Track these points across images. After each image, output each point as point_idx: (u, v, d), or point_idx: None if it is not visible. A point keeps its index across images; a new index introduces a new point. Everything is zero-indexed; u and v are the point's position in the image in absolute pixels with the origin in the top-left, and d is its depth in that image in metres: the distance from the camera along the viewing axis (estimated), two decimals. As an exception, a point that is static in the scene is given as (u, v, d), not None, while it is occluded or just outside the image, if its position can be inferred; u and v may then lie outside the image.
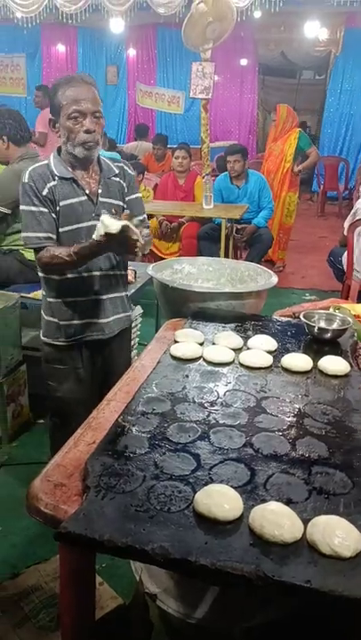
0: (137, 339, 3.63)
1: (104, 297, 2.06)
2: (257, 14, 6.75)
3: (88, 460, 1.15)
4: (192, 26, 4.49)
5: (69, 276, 1.98)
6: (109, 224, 1.72)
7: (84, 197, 1.97)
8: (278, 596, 0.93)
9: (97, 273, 2.02)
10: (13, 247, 3.09)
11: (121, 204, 2.07)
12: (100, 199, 2.00)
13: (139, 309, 3.59)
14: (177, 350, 1.69)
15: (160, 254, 5.48)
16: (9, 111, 3.04)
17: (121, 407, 1.41)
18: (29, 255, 3.02)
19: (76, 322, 2.04)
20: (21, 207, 1.95)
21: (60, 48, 10.29)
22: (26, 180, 1.93)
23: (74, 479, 1.14)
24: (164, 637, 1.51)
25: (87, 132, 1.87)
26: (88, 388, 2.14)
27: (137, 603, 1.44)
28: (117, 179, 2.06)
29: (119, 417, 1.33)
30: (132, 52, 10.21)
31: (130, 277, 3.24)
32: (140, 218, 1.97)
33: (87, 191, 1.97)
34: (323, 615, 1.15)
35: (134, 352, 3.61)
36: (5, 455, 2.74)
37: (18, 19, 6.18)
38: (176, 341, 1.78)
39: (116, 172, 2.07)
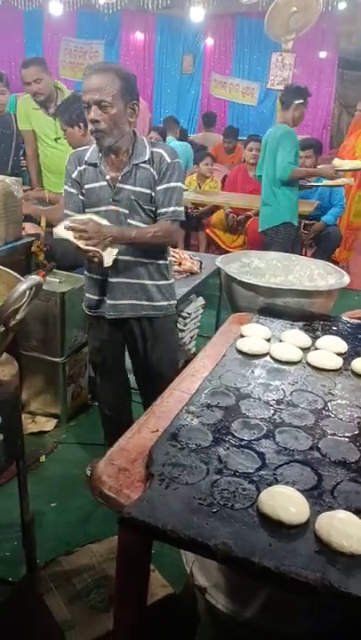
0: (196, 330, 3.63)
1: (114, 280, 2.11)
2: (342, 5, 6.54)
3: (152, 448, 1.15)
4: (275, 15, 4.40)
5: None
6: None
7: (104, 182, 2.03)
8: (342, 608, 0.89)
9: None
10: (83, 231, 3.13)
11: (148, 192, 2.04)
12: (119, 185, 2.01)
13: (201, 301, 3.58)
14: (243, 345, 1.67)
15: (224, 247, 5.45)
16: None
17: (184, 397, 1.40)
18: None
19: (92, 296, 2.21)
20: None
21: (139, 35, 10.30)
22: (66, 163, 2.13)
23: (137, 465, 1.14)
24: (209, 631, 1.51)
25: (91, 121, 1.93)
26: (110, 362, 2.32)
27: (187, 594, 1.44)
28: (147, 165, 2.02)
29: (184, 407, 1.33)
30: (209, 42, 10.12)
31: (194, 268, 3.24)
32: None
33: (108, 177, 2.02)
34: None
35: (193, 343, 3.61)
36: (63, 434, 2.81)
37: (100, 5, 6.24)
38: (242, 336, 1.75)
39: (146, 158, 2.02)
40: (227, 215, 5.47)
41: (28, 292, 1.24)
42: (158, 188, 2.04)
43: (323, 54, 9.74)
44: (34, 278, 1.25)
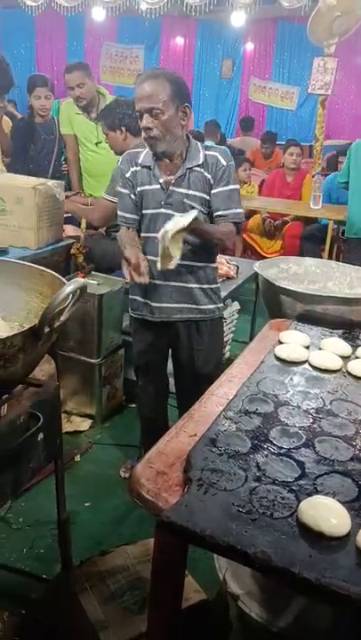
0: (231, 335, 3.62)
1: (159, 282, 2.12)
2: (386, 8, 6.43)
3: (191, 453, 1.15)
4: (318, 20, 4.37)
5: None
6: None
7: (157, 186, 2.05)
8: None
9: (155, 259, 2.07)
10: (122, 234, 3.17)
11: (202, 195, 2.04)
12: (172, 188, 2.03)
13: (236, 305, 3.57)
14: (282, 352, 1.65)
15: (261, 252, 5.42)
16: (126, 102, 3.08)
17: (222, 402, 1.40)
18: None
19: (137, 298, 2.22)
20: None
21: (179, 40, 10.34)
22: (118, 163, 2.17)
23: (175, 469, 1.14)
24: (240, 639, 1.49)
25: (144, 129, 1.96)
26: (154, 365, 2.32)
27: (219, 601, 1.43)
28: (200, 169, 2.03)
29: (221, 412, 1.32)
30: (249, 46, 10.10)
31: (231, 273, 3.23)
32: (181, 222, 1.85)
33: (161, 180, 2.04)
34: None
35: (227, 348, 3.60)
36: (98, 434, 2.84)
37: (142, 10, 6.29)
38: (280, 342, 1.74)
39: (200, 162, 2.03)
40: (264, 220, 5.45)
41: (72, 295, 1.26)
42: (215, 191, 2.04)
43: (364, 58, 9.60)
44: (78, 281, 1.27)
